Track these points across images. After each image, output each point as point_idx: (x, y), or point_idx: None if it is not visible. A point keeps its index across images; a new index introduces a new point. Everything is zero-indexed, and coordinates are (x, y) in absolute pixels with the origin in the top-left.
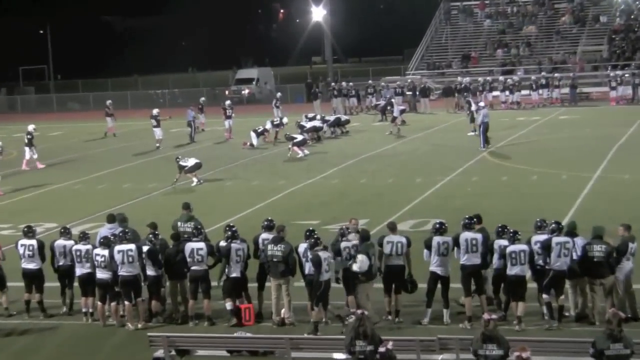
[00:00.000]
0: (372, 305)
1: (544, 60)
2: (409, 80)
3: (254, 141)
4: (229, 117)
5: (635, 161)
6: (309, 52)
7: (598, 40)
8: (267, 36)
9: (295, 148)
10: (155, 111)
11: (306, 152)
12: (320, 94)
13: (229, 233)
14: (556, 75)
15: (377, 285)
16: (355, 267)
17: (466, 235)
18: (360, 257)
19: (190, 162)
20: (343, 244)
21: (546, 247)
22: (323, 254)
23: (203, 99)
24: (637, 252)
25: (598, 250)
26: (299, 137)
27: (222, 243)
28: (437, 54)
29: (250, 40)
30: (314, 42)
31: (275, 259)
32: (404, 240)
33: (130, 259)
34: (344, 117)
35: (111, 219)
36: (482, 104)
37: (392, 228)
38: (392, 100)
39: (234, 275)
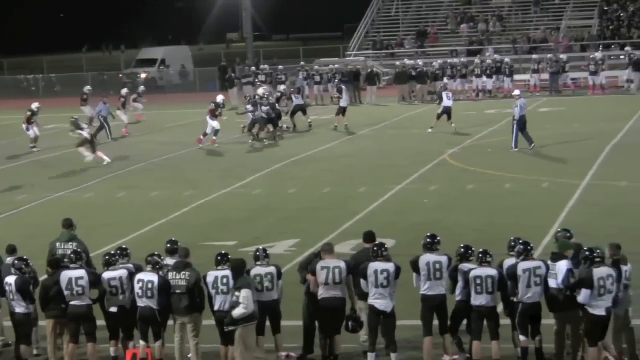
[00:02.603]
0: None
1: (520, 38)
2: (335, 65)
3: (216, 125)
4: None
5: (634, 164)
6: (223, 27)
7: (587, 14)
8: (170, 6)
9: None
10: (34, 105)
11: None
12: (237, 80)
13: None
14: (534, 56)
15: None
16: (240, 310)
17: (428, 258)
18: (245, 293)
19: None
20: (254, 271)
21: (511, 275)
22: (146, 276)
23: (126, 90)
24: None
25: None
26: None
27: (113, 273)
28: (385, 30)
29: (147, 11)
30: (230, 15)
31: (177, 290)
32: (342, 265)
33: None
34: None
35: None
36: (517, 91)
37: (329, 250)
38: (342, 87)
39: (114, 308)
